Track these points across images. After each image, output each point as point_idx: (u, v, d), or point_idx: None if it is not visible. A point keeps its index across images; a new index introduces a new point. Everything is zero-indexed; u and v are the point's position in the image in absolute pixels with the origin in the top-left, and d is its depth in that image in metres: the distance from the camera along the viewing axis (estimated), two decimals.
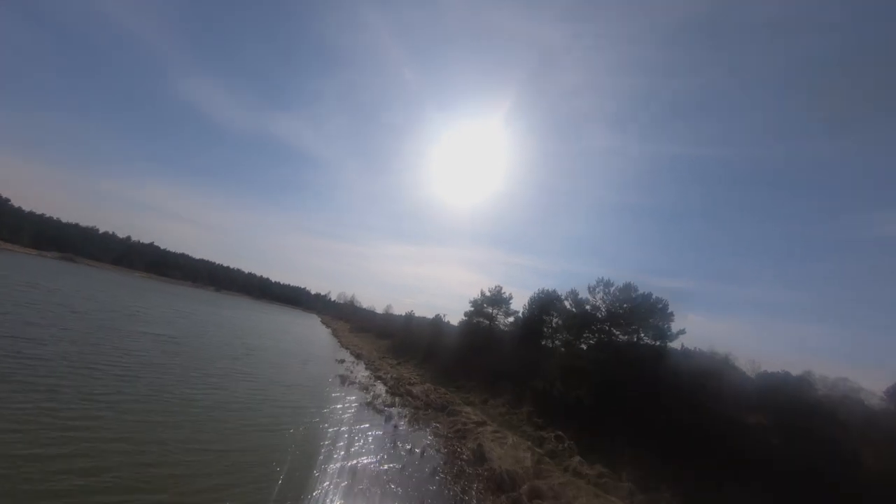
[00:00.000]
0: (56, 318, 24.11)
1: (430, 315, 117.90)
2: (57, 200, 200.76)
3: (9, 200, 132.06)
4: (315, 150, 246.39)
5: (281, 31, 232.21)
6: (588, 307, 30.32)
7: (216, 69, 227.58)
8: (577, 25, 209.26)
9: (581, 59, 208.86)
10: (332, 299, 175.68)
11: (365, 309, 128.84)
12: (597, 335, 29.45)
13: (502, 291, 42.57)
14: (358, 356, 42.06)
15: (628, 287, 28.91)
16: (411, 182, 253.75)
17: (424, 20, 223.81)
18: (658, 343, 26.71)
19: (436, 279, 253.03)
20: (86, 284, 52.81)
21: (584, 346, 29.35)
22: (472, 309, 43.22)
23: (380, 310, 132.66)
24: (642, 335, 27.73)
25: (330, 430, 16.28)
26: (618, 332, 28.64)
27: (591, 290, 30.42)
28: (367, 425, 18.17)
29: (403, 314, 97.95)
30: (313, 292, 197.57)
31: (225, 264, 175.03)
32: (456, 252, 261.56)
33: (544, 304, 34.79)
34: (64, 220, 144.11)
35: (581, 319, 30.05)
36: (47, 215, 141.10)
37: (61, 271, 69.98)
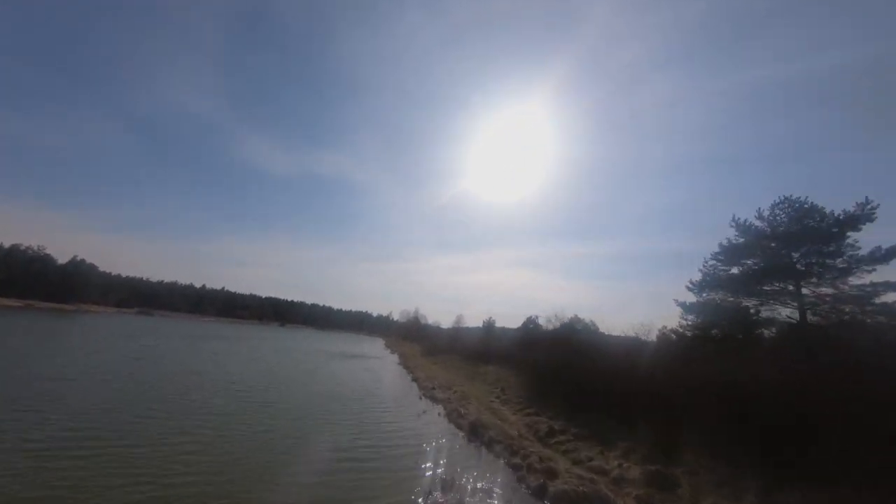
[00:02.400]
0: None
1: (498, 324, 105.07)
2: (159, 265, 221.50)
3: (96, 267, 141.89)
4: (355, 177, 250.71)
5: (307, 69, 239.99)
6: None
7: (262, 126, 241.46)
8: None
9: None
10: (395, 319, 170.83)
11: (431, 325, 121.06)
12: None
13: None
14: (457, 414, 19.67)
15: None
16: (452, 188, 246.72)
17: (458, 4, 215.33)
18: None
19: (492, 285, 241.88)
20: (146, 332, 49.92)
21: None
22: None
23: (446, 324, 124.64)
24: None
25: None
26: None
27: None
28: None
29: (482, 324, 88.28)
30: (374, 315, 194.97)
31: (289, 299, 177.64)
32: (509, 253, 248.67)
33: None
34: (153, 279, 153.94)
35: None
36: (135, 276, 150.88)
37: (134, 325, 69.56)
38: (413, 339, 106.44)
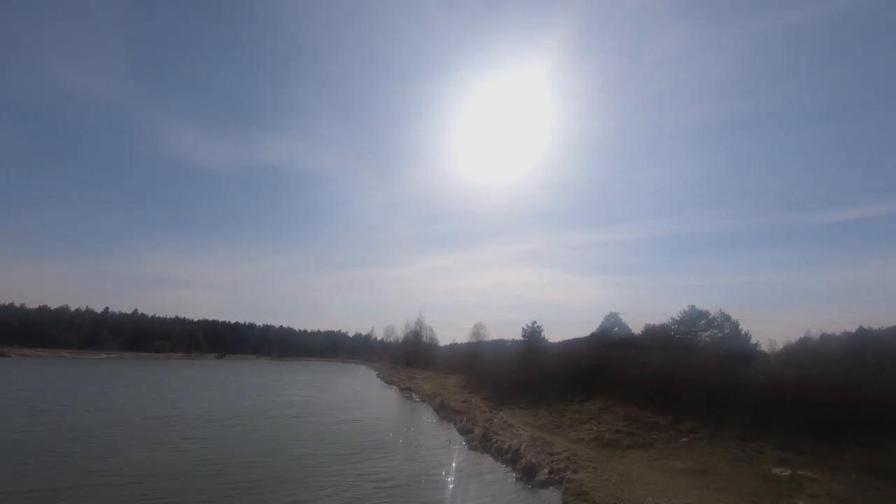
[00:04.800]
0: None
1: (506, 336, 68.67)
2: (48, 287, 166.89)
3: None
4: (311, 165, 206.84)
5: (245, 41, 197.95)
6: None
7: (187, 108, 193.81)
8: None
9: None
10: (378, 338, 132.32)
11: (440, 345, 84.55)
12: None
13: None
14: None
15: None
16: (437, 171, 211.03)
17: None
18: None
19: (493, 287, 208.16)
20: None
21: None
22: None
23: (444, 339, 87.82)
24: None
25: None
26: None
27: None
28: None
29: (521, 334, 55.33)
30: (351, 335, 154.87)
31: (233, 321, 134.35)
32: (510, 247, 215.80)
33: None
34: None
35: None
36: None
37: None
38: (419, 364, 69.31)
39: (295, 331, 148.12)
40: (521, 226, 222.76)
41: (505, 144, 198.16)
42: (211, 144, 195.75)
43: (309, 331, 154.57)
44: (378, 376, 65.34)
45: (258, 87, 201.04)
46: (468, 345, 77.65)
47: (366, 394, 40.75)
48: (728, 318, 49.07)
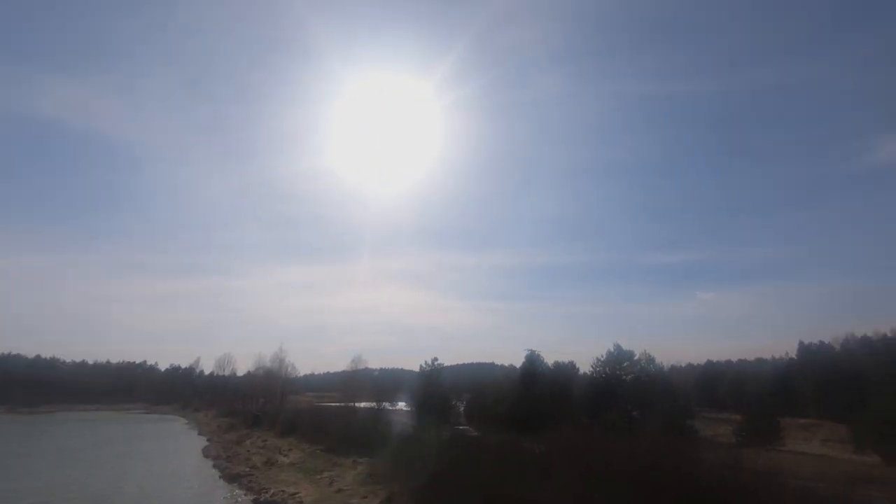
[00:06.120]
0: None
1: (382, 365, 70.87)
2: None
3: None
4: (135, 132, 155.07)
5: None
6: None
7: None
8: None
9: None
10: (205, 371, 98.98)
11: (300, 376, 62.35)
12: None
13: None
14: None
15: None
16: (305, 168, 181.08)
17: None
18: None
19: (364, 309, 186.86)
20: None
21: None
22: None
23: (304, 369, 66.50)
24: None
25: None
26: None
27: None
28: None
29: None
30: (162, 368, 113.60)
31: None
32: (385, 265, 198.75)
33: None
34: None
35: None
36: None
37: None
38: (276, 422, 47.08)
39: (62, 364, 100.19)
40: (400, 241, 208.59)
41: (388, 153, 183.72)
42: None
43: (91, 362, 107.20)
44: (206, 452, 40.68)
45: (44, 7, 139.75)
46: (347, 379, 58.65)
47: None
48: (652, 359, 46.12)
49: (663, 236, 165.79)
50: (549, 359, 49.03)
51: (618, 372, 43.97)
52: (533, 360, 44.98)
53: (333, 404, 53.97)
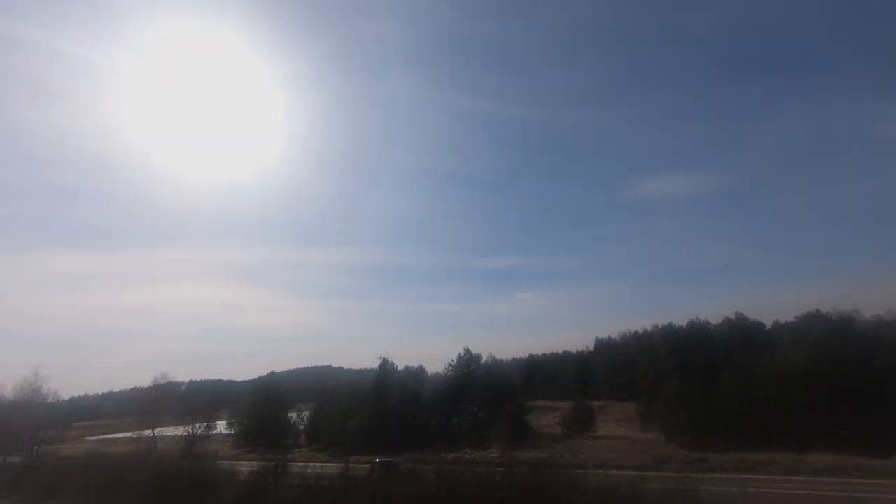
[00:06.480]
0: None
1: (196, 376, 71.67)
2: None
3: None
4: None
5: None
6: None
7: None
8: None
9: None
10: None
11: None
12: None
13: None
14: None
15: None
16: (85, 124, 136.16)
17: None
18: None
19: (174, 308, 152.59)
20: None
21: None
22: None
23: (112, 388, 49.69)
24: None
25: None
26: None
27: None
28: None
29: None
30: None
31: None
32: (204, 256, 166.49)
33: None
34: None
35: None
36: None
37: None
38: (30, 474, 32.83)
39: None
40: (224, 231, 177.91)
41: (218, 133, 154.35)
42: None
43: None
44: None
45: None
46: (146, 399, 46.33)
47: None
48: (498, 361, 51.52)
49: (492, 243, 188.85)
50: (399, 362, 47.53)
51: (468, 375, 45.60)
52: (386, 369, 42.85)
53: (123, 436, 40.40)
